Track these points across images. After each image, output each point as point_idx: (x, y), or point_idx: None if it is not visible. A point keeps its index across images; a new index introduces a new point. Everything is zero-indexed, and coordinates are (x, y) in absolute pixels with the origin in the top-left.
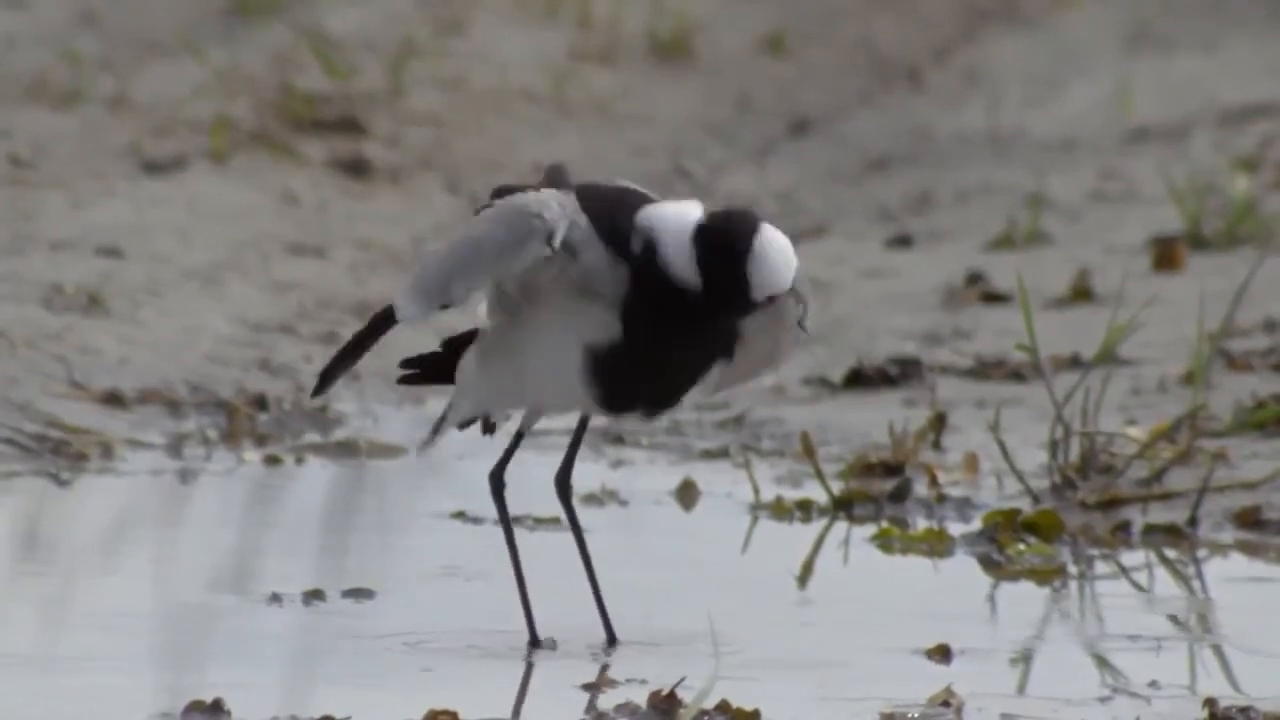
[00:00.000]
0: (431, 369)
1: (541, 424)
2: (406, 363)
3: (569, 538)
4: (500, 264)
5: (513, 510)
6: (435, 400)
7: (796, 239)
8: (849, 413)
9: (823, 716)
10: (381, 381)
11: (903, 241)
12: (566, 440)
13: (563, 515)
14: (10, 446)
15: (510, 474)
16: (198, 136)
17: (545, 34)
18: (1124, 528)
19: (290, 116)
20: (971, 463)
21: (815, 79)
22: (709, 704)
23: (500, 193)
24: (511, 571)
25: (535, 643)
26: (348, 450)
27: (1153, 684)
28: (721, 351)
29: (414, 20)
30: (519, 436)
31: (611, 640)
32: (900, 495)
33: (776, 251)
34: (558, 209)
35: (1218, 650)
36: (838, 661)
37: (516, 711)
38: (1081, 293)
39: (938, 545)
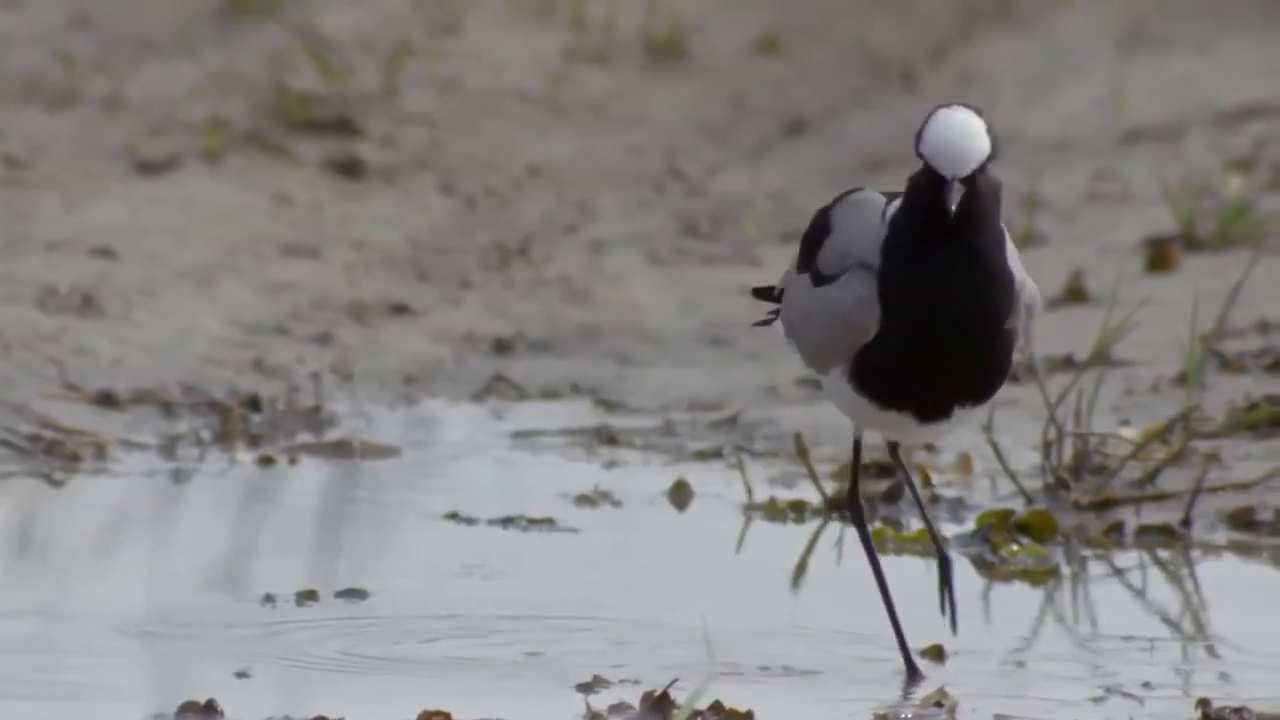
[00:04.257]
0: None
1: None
2: (759, 291)
3: (563, 538)
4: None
5: (505, 511)
6: (429, 401)
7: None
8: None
9: (816, 717)
10: (375, 382)
11: None
12: (562, 441)
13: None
14: (4, 447)
15: (504, 476)
16: (192, 137)
17: (540, 35)
18: (1117, 528)
19: (285, 117)
20: (965, 463)
21: (810, 79)
22: (702, 705)
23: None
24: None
25: (913, 673)
26: (341, 451)
27: (1146, 684)
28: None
29: (408, 21)
30: (857, 448)
31: (912, 674)
32: (894, 496)
33: (950, 122)
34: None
35: (1211, 651)
36: (831, 662)
37: (510, 712)
38: (1075, 293)
39: (931, 546)
